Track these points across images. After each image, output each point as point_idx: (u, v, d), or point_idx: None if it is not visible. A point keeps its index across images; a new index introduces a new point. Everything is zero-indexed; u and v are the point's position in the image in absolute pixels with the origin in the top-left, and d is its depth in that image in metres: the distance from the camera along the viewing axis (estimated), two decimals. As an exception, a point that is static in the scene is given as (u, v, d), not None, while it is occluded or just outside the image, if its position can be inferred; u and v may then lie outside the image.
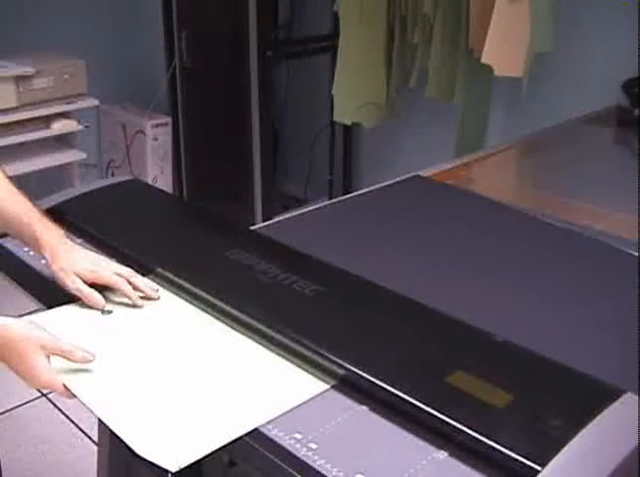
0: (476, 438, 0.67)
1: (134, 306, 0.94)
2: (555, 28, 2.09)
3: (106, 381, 0.80)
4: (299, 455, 0.69)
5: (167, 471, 0.67)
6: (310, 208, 1.36)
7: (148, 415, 0.75)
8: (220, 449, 0.70)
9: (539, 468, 0.64)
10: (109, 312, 0.94)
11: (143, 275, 0.99)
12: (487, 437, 0.67)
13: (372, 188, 1.43)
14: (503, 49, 1.99)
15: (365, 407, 0.75)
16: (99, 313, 0.93)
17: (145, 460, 0.69)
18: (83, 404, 0.76)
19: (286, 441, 0.70)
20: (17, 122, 2.53)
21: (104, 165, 3.37)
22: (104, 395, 0.78)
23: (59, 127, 2.66)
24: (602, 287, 1.06)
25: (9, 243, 1.10)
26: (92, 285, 0.95)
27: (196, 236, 1.13)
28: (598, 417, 0.69)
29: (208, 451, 0.69)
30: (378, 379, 0.75)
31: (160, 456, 0.69)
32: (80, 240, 1.11)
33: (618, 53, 2.11)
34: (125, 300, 0.95)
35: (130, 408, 0.76)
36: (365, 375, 0.76)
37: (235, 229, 1.20)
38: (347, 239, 1.18)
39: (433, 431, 0.71)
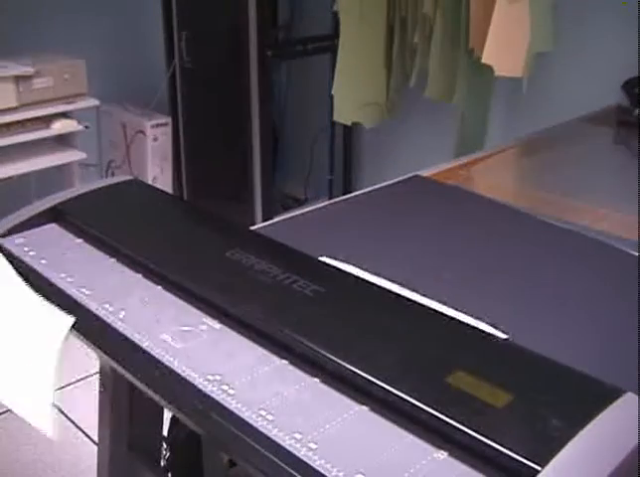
0: (476, 438, 0.67)
1: None
2: (554, 28, 2.09)
3: None
4: (299, 455, 0.69)
5: None
6: (310, 208, 1.35)
7: None
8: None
9: (539, 468, 0.64)
10: None
11: (143, 275, 0.99)
12: (487, 437, 0.67)
13: (372, 188, 1.43)
14: (503, 49, 2.00)
15: (365, 407, 0.75)
16: None
17: None
18: None
19: (286, 441, 0.70)
20: (17, 122, 2.53)
21: (104, 165, 3.37)
22: None
23: (59, 127, 2.66)
24: (602, 287, 1.06)
25: (9, 243, 1.11)
26: None
27: (195, 235, 1.13)
28: (598, 417, 0.69)
29: None
30: (378, 378, 0.75)
31: None
32: (80, 240, 1.11)
33: (618, 53, 2.11)
34: None
35: None
36: (365, 375, 0.76)
37: (235, 229, 1.19)
38: (347, 240, 1.18)
39: (433, 431, 0.71)
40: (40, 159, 2.64)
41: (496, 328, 0.90)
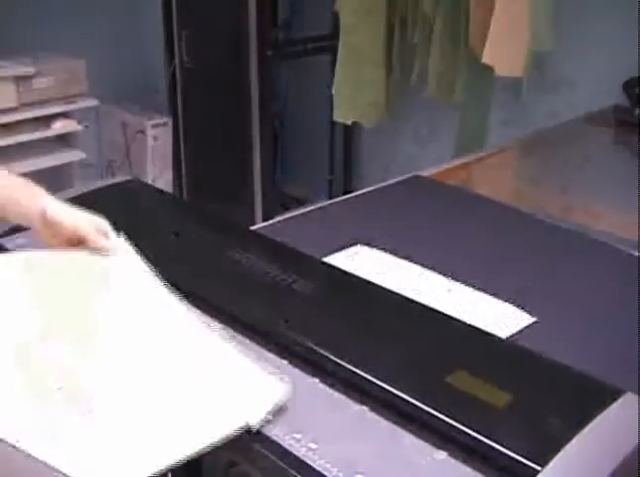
0: (476, 438, 0.67)
1: None
2: (554, 27, 2.09)
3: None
4: (299, 455, 0.69)
5: None
6: (310, 208, 1.36)
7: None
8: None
9: (539, 468, 0.64)
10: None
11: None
12: (487, 437, 0.67)
13: (372, 188, 1.43)
14: (503, 49, 1.99)
15: (365, 407, 0.75)
16: None
17: None
18: None
19: (286, 441, 0.70)
20: (17, 122, 2.53)
21: (104, 165, 3.37)
22: None
23: (59, 127, 2.66)
24: (602, 287, 1.06)
25: (9, 243, 1.10)
26: None
27: (195, 236, 1.13)
28: (598, 417, 0.69)
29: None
30: (378, 378, 0.75)
31: None
32: (80, 241, 1.11)
33: (618, 53, 2.11)
34: None
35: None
36: (365, 375, 0.76)
37: (235, 229, 1.19)
38: (347, 240, 1.18)
39: (433, 431, 0.71)
40: (40, 159, 2.64)
41: (523, 310, 0.92)
